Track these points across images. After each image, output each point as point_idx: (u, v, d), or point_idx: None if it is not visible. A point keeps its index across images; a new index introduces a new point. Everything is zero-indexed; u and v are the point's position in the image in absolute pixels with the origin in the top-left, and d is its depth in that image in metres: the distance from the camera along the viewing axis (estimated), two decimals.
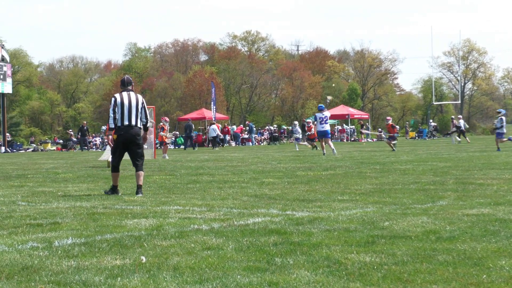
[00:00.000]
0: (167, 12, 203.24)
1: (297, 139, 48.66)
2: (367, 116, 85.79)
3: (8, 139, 63.33)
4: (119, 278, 6.12)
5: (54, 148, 64.93)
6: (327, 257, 6.91)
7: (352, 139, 75.96)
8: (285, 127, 78.71)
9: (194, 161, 29.22)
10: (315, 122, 35.07)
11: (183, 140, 62.47)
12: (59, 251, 7.45)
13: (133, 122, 14.00)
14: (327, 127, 33.42)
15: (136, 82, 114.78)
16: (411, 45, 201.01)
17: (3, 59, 60.48)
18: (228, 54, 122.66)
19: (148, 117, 14.43)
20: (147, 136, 15.32)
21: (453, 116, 55.61)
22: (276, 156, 32.45)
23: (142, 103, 14.19)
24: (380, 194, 12.97)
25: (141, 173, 14.13)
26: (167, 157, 33.11)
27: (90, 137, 71.04)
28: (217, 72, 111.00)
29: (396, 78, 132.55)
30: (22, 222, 9.86)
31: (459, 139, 50.72)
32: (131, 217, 10.21)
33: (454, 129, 52.35)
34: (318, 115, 33.57)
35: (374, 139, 74.41)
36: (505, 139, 35.10)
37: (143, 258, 6.90)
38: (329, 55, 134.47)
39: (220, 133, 56.91)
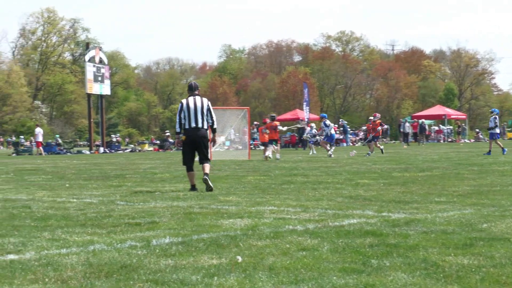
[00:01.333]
0: (261, 14, 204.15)
1: (311, 141, 43.57)
2: (464, 117, 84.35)
3: (114, 139, 64.63)
4: (215, 277, 6.17)
5: (151, 148, 65.89)
6: (424, 259, 6.83)
7: (449, 139, 74.84)
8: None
9: (288, 161, 29.26)
10: (325, 128, 35.41)
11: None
12: (157, 250, 7.55)
13: (200, 124, 15.19)
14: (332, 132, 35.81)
15: (230, 84, 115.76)
16: (508, 45, 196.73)
17: (101, 61, 61.70)
18: (322, 54, 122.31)
19: (214, 118, 15.44)
20: (216, 138, 16.68)
21: None
22: (371, 157, 32.22)
23: (208, 106, 15.34)
24: (478, 196, 12.75)
25: (207, 164, 15.32)
26: (279, 157, 33.05)
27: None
28: (311, 73, 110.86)
29: (494, 77, 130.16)
30: (120, 221, 10.03)
31: None
32: (227, 217, 10.28)
33: None
34: (327, 122, 35.62)
35: (472, 140, 73.24)
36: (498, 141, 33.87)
37: (239, 258, 6.94)
38: (425, 54, 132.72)
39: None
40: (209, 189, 14.80)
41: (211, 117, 15.33)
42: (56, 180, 19.91)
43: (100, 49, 64.44)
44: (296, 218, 10.01)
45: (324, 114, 38.50)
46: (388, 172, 20.16)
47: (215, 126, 15.51)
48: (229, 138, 41.21)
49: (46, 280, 6.19)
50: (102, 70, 61.49)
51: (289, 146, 61.61)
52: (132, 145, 65.20)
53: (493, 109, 35.63)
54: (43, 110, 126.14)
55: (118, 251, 7.57)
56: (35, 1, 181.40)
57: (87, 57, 60.17)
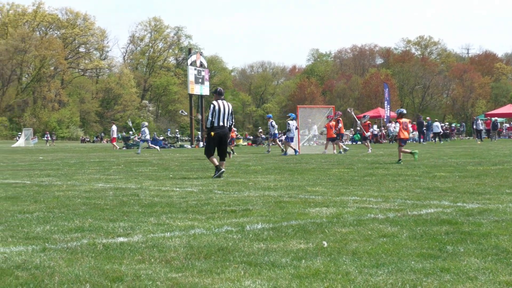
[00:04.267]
0: (346, 20, 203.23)
1: (273, 135, 36.77)
2: None
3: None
4: (303, 260, 6.16)
5: (245, 143, 66.23)
6: (496, 246, 6.69)
7: None
8: (455, 125, 76.84)
9: (370, 155, 29.02)
10: (270, 128, 34.51)
11: (359, 136, 62.16)
12: (250, 235, 7.58)
13: (225, 124, 17.00)
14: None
15: (317, 84, 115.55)
16: None
17: (201, 65, 62.28)
18: (402, 57, 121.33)
19: (233, 120, 17.44)
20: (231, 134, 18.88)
21: None
22: (447, 152, 31.71)
23: (232, 109, 17.27)
24: None
25: (224, 162, 17.12)
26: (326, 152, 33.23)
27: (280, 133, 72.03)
28: (392, 74, 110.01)
29: None
30: (218, 208, 10.10)
31: None
32: (314, 205, 10.25)
33: None
34: (273, 122, 35.29)
35: None
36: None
37: (325, 243, 6.91)
38: (497, 57, 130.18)
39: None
40: (219, 176, 16.61)
41: (232, 119, 17.25)
42: (161, 171, 20.18)
43: (201, 54, 65.07)
44: (378, 207, 9.93)
45: (270, 115, 37.16)
46: (463, 166, 19.80)
47: (233, 125, 17.56)
48: (314, 134, 40.97)
49: (152, 260, 6.28)
50: (203, 73, 62.08)
51: (371, 141, 61.05)
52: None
53: (290, 114, 35.39)
54: (150, 108, 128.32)
55: (216, 235, 7.62)
56: (143, 11, 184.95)
57: (189, 61, 60.92)
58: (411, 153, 22.41)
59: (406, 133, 22.68)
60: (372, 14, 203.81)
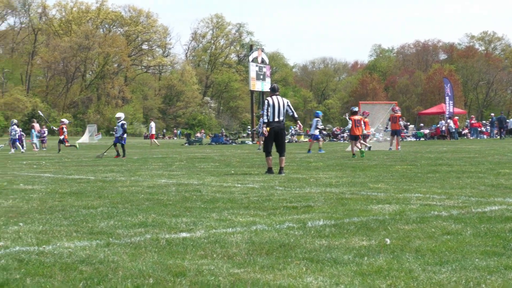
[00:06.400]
0: (409, 15, 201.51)
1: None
2: None
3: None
4: (365, 257, 6.13)
5: (306, 139, 66.06)
6: None
7: None
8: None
9: (434, 152, 28.69)
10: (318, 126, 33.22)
11: (422, 133, 61.52)
12: (312, 231, 7.57)
13: (281, 119, 16.98)
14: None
15: (379, 80, 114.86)
16: None
17: (263, 61, 62.38)
18: (466, 53, 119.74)
19: (293, 110, 17.27)
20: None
21: None
22: None
23: (287, 104, 17.15)
24: None
25: (283, 158, 17.24)
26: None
27: (338, 129, 71.76)
28: (455, 70, 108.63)
29: None
30: (279, 204, 10.11)
31: None
32: (376, 202, 10.19)
33: None
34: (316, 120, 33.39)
35: None
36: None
37: (387, 240, 6.86)
38: None
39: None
40: (280, 172, 16.86)
41: (292, 111, 17.14)
42: (223, 167, 20.28)
43: (262, 50, 65.18)
44: (441, 204, 9.81)
45: (319, 112, 35.50)
46: None
47: (296, 115, 17.35)
48: (378, 130, 40.66)
49: (214, 255, 6.32)
50: (264, 69, 62.17)
51: (434, 138, 60.34)
52: (289, 137, 65.51)
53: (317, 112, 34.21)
54: (212, 105, 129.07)
55: (277, 231, 7.63)
56: (206, 8, 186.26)
57: (250, 58, 61.08)
58: (360, 151, 24.57)
59: (357, 130, 24.94)
60: (436, 9, 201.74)
